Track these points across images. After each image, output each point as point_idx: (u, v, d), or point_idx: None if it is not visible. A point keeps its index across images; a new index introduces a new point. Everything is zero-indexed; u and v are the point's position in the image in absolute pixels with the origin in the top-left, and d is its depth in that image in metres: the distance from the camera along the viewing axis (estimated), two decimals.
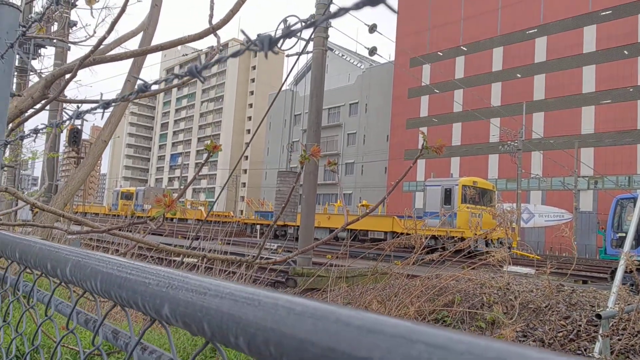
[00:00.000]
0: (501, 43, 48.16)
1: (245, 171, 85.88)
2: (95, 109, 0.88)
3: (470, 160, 47.79)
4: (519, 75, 46.34)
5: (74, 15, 12.77)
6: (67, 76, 2.64)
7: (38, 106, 3.18)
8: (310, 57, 17.12)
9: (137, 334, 0.78)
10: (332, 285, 8.91)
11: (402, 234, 10.71)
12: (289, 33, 0.40)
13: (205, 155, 2.12)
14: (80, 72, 2.93)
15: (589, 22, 42.65)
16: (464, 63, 50.59)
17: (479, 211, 22.83)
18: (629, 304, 6.77)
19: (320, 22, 0.38)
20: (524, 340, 7.36)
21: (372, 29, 17.71)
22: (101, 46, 3.23)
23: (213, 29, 2.95)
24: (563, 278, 12.21)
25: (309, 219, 14.70)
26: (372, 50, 21.51)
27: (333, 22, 15.88)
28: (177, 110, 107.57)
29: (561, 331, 7.41)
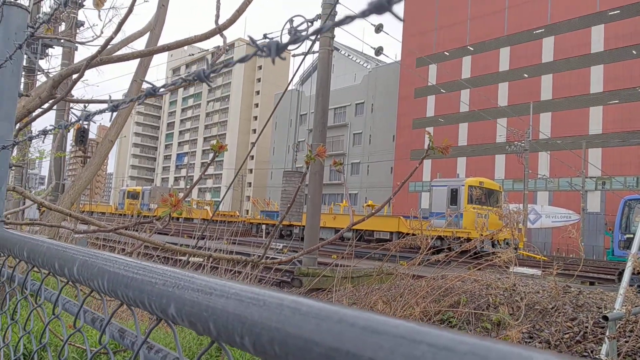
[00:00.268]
0: (508, 43, 47.96)
1: (251, 171, 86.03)
2: (104, 110, 0.88)
3: (477, 161, 47.62)
4: (526, 75, 46.12)
5: (81, 15, 12.85)
6: (75, 76, 2.66)
7: (46, 106, 3.21)
8: (316, 57, 17.12)
9: (143, 333, 0.78)
10: (338, 285, 8.91)
11: (407, 234, 10.69)
12: (296, 39, 0.40)
13: (211, 155, 2.13)
14: (87, 72, 2.95)
15: (597, 22, 42.38)
16: (471, 63, 50.42)
17: (485, 212, 22.76)
18: (636, 306, 6.73)
19: (326, 29, 0.38)
20: (529, 342, 7.33)
21: (379, 29, 17.69)
22: (108, 46, 3.25)
23: (219, 30, 2.96)
24: (570, 279, 12.15)
25: (315, 219, 14.70)
26: (379, 50, 21.48)
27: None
28: (183, 110, 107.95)
29: (567, 333, 7.38)
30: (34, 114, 3.32)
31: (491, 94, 46.71)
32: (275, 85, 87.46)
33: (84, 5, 12.94)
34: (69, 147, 16.27)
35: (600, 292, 9.08)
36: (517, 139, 36.34)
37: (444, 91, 49.40)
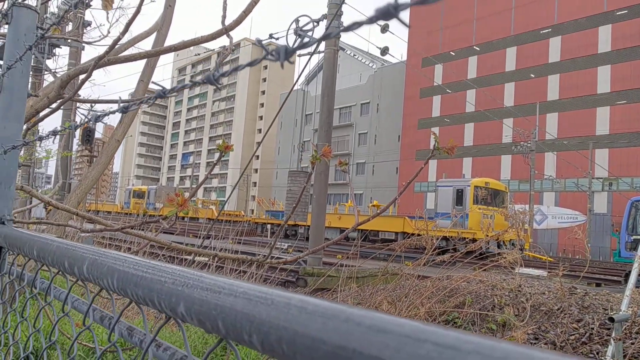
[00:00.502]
0: (514, 43, 47.77)
1: (256, 170, 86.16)
2: (115, 112, 0.90)
3: (483, 161, 47.47)
4: (532, 76, 45.92)
5: (88, 15, 12.90)
6: (82, 76, 2.68)
7: (54, 106, 3.23)
8: (322, 57, 17.11)
9: (151, 332, 0.80)
10: (343, 285, 8.91)
11: (413, 234, 10.68)
12: (305, 44, 0.41)
13: (216, 155, 2.14)
14: (94, 72, 2.97)
15: (604, 22, 42.13)
16: (477, 63, 50.26)
17: (491, 212, 22.68)
18: None
19: (334, 35, 0.39)
20: (535, 343, 7.30)
21: (384, 29, 17.67)
22: (115, 46, 3.27)
23: (226, 30, 2.98)
24: (576, 280, 12.10)
25: (320, 218, 14.72)
26: (384, 50, 21.46)
27: (344, 22, 15.86)
28: (189, 110, 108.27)
29: (573, 334, 7.35)
30: (41, 113, 3.34)
31: (497, 94, 46.53)
32: (280, 85, 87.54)
33: (90, 6, 13.01)
34: (75, 147, 16.36)
35: (606, 294, 9.03)
36: (523, 140, 36.19)
37: (449, 91, 49.28)
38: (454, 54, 51.62)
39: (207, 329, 0.53)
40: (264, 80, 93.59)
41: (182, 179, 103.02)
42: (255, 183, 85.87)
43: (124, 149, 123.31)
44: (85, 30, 12.77)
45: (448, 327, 0.34)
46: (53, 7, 11.45)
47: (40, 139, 1.57)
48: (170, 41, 4.47)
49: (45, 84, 9.22)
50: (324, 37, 0.40)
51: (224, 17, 2.92)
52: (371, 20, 0.33)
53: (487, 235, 14.37)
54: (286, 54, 0.39)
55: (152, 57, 4.58)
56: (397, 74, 58.71)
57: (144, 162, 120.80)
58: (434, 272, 8.79)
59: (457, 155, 48.53)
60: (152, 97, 0.74)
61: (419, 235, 9.39)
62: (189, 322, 0.56)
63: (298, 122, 65.43)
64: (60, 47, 13.24)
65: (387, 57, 33.89)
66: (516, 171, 44.64)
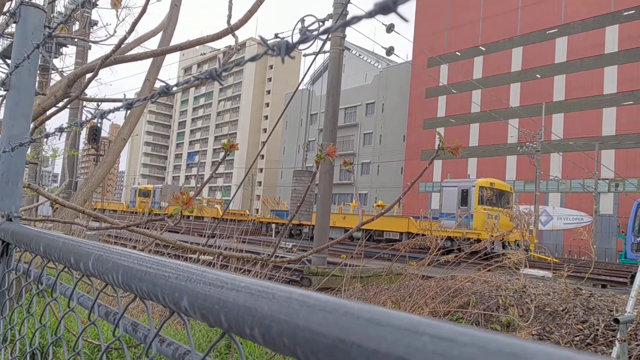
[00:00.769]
0: (521, 43, 47.59)
1: (261, 170, 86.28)
2: (118, 109, 0.91)
3: (488, 162, 47.33)
4: (538, 76, 45.74)
5: (94, 14, 12.97)
6: (89, 75, 2.70)
7: (60, 104, 3.26)
8: (327, 57, 17.12)
9: (155, 328, 0.80)
10: (347, 284, 8.92)
11: (417, 234, 10.67)
12: (305, 39, 0.42)
13: (222, 154, 2.15)
14: (101, 71, 2.99)
15: (611, 22, 41.90)
16: (483, 63, 50.11)
17: (496, 213, 22.62)
18: None
19: (333, 29, 0.40)
20: None
21: (390, 28, 17.66)
22: (122, 46, 3.28)
23: (231, 30, 2.99)
24: (581, 282, 12.05)
25: (324, 218, 14.72)
26: (390, 50, 21.45)
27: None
28: (194, 109, 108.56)
29: (578, 335, 7.32)
30: (48, 112, 3.37)
31: (503, 94, 46.38)
32: (286, 85, 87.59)
33: (97, 5, 13.07)
34: (82, 146, 16.44)
35: (611, 295, 8.99)
36: (528, 140, 36.05)
37: (455, 91, 49.16)
38: (459, 54, 51.48)
39: (210, 323, 0.53)
40: (270, 79, 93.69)
41: (187, 178, 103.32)
42: (260, 182, 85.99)
43: (130, 148, 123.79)
44: (92, 30, 12.83)
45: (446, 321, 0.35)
46: (60, 7, 11.51)
47: (47, 135, 1.59)
48: (175, 40, 4.49)
49: (52, 82, 9.27)
50: (325, 31, 0.40)
51: (229, 16, 2.93)
52: (370, 15, 0.34)
53: (492, 236, 14.34)
54: (287, 49, 0.40)
55: (158, 56, 4.60)
56: (402, 74, 58.62)
57: (150, 161, 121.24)
58: (438, 272, 8.78)
59: (463, 156, 48.43)
60: (156, 94, 0.75)
61: (423, 235, 9.38)
62: (192, 316, 0.57)
63: (303, 121, 65.43)
64: (67, 47, 13.31)
65: (392, 57, 33.87)
66: (521, 172, 44.47)
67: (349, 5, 13.10)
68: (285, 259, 3.37)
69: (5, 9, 3.74)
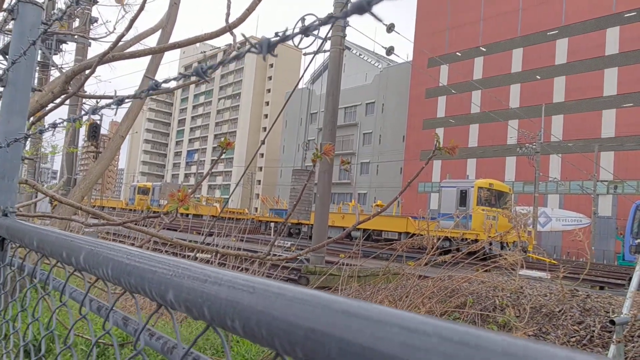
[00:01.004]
0: (521, 44, 47.60)
1: (260, 169, 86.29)
2: (110, 104, 0.92)
3: (487, 162, 47.36)
4: (538, 77, 45.76)
5: (94, 11, 12.97)
6: (87, 72, 2.71)
7: (58, 101, 3.27)
8: (327, 56, 17.13)
9: (144, 321, 0.81)
10: (344, 284, 8.92)
11: (415, 234, 10.67)
12: (286, 37, 0.43)
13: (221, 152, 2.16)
14: (100, 68, 3.01)
15: (612, 24, 41.91)
16: (483, 64, 50.13)
17: (494, 213, 22.64)
18: None
19: (314, 28, 0.41)
20: None
21: (390, 28, 17.64)
22: (120, 43, 3.29)
23: (229, 28, 3.00)
24: (577, 283, 12.08)
25: (323, 217, 14.74)
26: (390, 50, 21.44)
27: (351, 21, 15.86)
28: (194, 107, 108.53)
29: (574, 336, 7.34)
30: (46, 108, 3.38)
31: (503, 95, 46.40)
32: (286, 84, 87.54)
33: (97, 2, 13.07)
34: (81, 142, 16.45)
35: (608, 297, 9.01)
36: (528, 141, 36.08)
37: (455, 92, 49.18)
38: (460, 54, 51.50)
39: (193, 316, 0.55)
40: (270, 78, 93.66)
41: (186, 176, 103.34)
42: (259, 181, 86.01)
43: (130, 146, 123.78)
44: (92, 27, 12.83)
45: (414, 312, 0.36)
46: (61, 4, 11.50)
47: (41, 131, 1.60)
48: (175, 38, 4.50)
49: (52, 79, 9.28)
50: (303, 31, 0.41)
51: (227, 14, 2.94)
52: (346, 14, 0.35)
53: (490, 237, 14.35)
54: (269, 47, 0.41)
55: (156, 53, 4.61)
56: (402, 74, 58.63)
57: (149, 158, 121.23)
58: (435, 272, 8.79)
59: (461, 156, 48.46)
60: (145, 90, 0.76)
61: (421, 235, 9.39)
62: (177, 309, 0.58)
63: (303, 120, 65.47)
64: (67, 43, 13.31)
65: (392, 57, 33.85)
66: (521, 173, 44.51)
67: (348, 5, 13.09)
68: (282, 257, 3.38)
69: (4, 6, 3.75)
